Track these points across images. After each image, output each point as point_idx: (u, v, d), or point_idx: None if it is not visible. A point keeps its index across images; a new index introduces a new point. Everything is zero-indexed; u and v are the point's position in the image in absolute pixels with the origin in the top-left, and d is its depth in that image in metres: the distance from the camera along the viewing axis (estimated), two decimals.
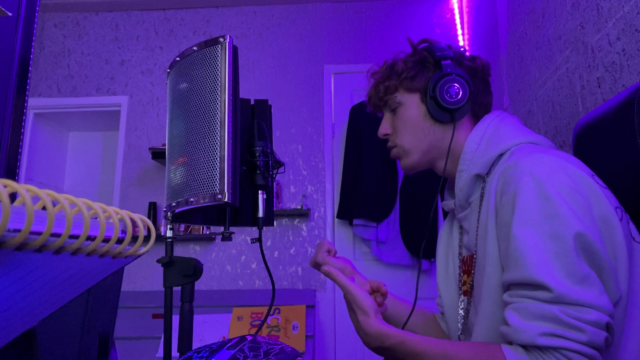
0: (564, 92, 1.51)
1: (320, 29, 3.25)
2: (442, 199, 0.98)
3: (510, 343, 0.63)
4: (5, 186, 0.28)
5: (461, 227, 0.89)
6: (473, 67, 0.86)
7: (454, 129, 0.83)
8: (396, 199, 2.81)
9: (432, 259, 2.77)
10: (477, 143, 0.81)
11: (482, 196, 0.78)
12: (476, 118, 0.86)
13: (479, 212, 0.78)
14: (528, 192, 0.64)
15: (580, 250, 0.60)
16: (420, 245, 2.74)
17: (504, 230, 0.67)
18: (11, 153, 0.76)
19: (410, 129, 0.86)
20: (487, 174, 0.78)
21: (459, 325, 0.85)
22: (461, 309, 0.85)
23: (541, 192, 0.63)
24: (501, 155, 0.77)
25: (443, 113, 0.83)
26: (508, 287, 0.66)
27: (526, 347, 0.60)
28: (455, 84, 0.81)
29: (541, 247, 0.61)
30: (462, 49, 0.88)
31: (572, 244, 0.59)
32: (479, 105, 0.86)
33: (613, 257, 0.63)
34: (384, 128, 0.91)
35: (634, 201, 0.76)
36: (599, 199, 0.65)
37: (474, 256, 0.79)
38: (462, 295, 0.86)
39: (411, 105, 0.86)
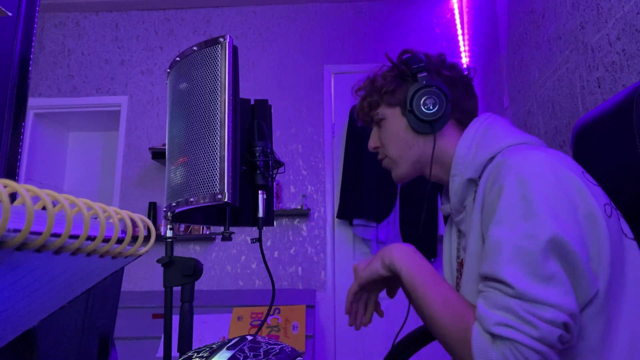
0: (564, 92, 1.51)
1: (320, 29, 3.25)
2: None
3: None
4: (5, 186, 0.28)
5: (459, 231, 0.89)
6: (451, 76, 0.87)
7: (434, 139, 0.85)
8: (396, 199, 2.81)
9: (432, 259, 2.77)
10: (468, 147, 0.82)
11: (475, 199, 0.79)
12: (461, 124, 0.88)
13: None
14: (511, 192, 0.65)
15: (552, 250, 0.61)
16: (420, 246, 2.74)
17: (486, 226, 0.69)
18: (11, 153, 0.76)
19: (395, 142, 0.89)
20: (480, 177, 0.79)
21: None
22: None
23: (523, 192, 0.64)
24: (492, 158, 0.78)
25: (423, 125, 0.85)
26: (482, 279, 0.68)
27: (487, 332, 0.62)
28: (432, 96, 0.83)
29: (511, 245, 0.63)
30: (441, 58, 0.89)
31: (544, 244, 0.61)
32: (461, 112, 0.87)
33: (597, 253, 0.64)
34: (373, 142, 0.94)
35: (632, 200, 0.76)
36: (585, 197, 0.65)
37: None
38: None
39: (393, 119, 0.88)
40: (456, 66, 0.89)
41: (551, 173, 0.66)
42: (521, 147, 0.74)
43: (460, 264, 0.88)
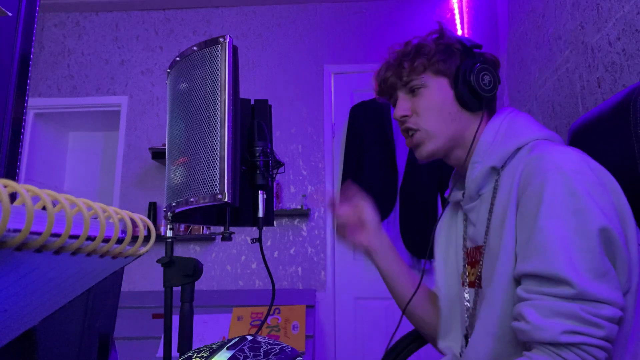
0: (564, 92, 1.51)
1: (320, 29, 3.25)
2: (442, 196, 0.99)
3: (524, 342, 0.64)
4: (5, 186, 0.28)
5: (466, 219, 0.88)
6: (494, 61, 0.87)
7: (482, 117, 0.84)
8: (396, 199, 2.81)
9: (433, 259, 2.77)
10: (493, 136, 0.81)
11: (495, 189, 0.78)
12: (491, 112, 0.87)
13: (492, 205, 0.78)
14: (556, 185, 0.65)
15: (604, 244, 0.62)
16: (420, 246, 2.74)
17: (527, 221, 0.67)
18: (11, 153, 0.76)
19: (437, 112, 0.84)
20: (502, 167, 0.78)
21: (466, 317, 0.84)
22: (467, 301, 0.85)
23: (568, 186, 0.64)
24: (519, 149, 0.77)
25: (474, 100, 0.83)
26: (522, 277, 0.66)
27: (549, 345, 0.61)
28: (490, 73, 0.82)
29: (568, 241, 0.62)
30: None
31: (597, 239, 0.61)
32: (494, 101, 0.87)
33: (627, 249, 0.65)
34: (403, 109, 0.86)
35: (630, 201, 0.76)
36: (618, 193, 0.67)
37: (482, 248, 0.79)
38: (467, 287, 0.86)
39: (439, 88, 0.84)
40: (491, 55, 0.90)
41: (589, 169, 0.66)
42: (550, 143, 0.74)
43: (467, 253, 0.87)
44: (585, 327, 0.58)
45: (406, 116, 0.86)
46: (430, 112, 0.84)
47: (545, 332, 0.60)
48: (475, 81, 0.81)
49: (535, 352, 0.62)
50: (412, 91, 0.86)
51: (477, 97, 0.82)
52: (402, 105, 0.87)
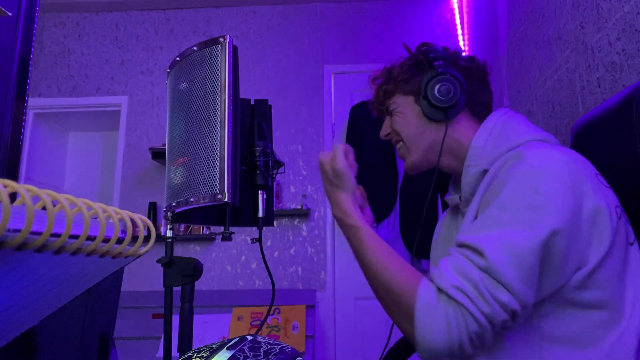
0: (564, 92, 1.51)
1: (321, 29, 3.25)
2: (442, 196, 0.99)
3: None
4: (5, 186, 0.28)
5: None
6: (468, 67, 0.88)
7: (446, 126, 0.86)
8: (396, 199, 2.81)
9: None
10: (486, 139, 0.82)
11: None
12: (476, 116, 0.88)
13: None
14: (520, 180, 0.66)
15: (544, 245, 0.61)
16: (421, 246, 2.74)
17: (483, 207, 0.70)
18: (11, 153, 0.76)
19: (408, 128, 0.89)
20: None
21: None
22: None
23: (533, 182, 0.65)
24: (510, 151, 0.78)
25: (436, 112, 0.86)
26: (456, 244, 0.69)
27: (439, 290, 0.64)
28: (447, 83, 0.84)
29: (508, 225, 0.63)
30: (459, 50, 0.90)
31: (539, 239, 0.61)
32: (476, 104, 0.88)
33: (595, 249, 0.64)
34: (384, 130, 0.95)
35: (631, 201, 0.76)
36: (595, 197, 0.65)
37: None
38: None
39: (407, 107, 0.89)
40: (474, 59, 0.90)
41: (566, 173, 0.65)
42: (540, 144, 0.75)
43: None
44: (475, 295, 0.61)
45: (387, 134, 0.94)
46: (402, 128, 0.90)
47: (443, 279, 0.64)
48: (431, 94, 0.84)
49: (430, 284, 0.66)
50: (391, 112, 0.92)
51: (438, 108, 0.85)
52: (384, 126, 0.95)
